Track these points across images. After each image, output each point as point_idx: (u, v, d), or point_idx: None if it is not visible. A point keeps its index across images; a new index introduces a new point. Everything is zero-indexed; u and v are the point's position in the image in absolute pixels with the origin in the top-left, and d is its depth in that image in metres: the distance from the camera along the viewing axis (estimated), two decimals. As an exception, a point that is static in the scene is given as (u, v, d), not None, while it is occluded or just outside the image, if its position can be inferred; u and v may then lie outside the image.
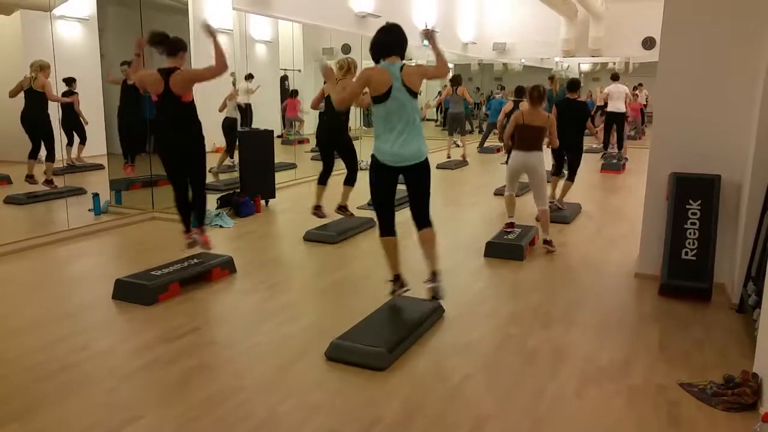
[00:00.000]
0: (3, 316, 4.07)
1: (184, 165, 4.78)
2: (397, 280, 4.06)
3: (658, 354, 3.63)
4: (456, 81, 12.21)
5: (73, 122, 8.20)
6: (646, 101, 17.59)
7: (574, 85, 7.55)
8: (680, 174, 4.73)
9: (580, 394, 3.14)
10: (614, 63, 21.61)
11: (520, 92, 10.09)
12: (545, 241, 5.76)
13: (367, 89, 3.80)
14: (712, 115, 4.68)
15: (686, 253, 4.57)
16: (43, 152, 7.57)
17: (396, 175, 3.82)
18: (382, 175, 3.81)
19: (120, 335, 3.88)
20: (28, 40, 8.72)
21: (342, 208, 6.32)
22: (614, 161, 11.63)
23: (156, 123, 4.79)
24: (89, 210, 6.88)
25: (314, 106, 6.25)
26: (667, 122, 4.84)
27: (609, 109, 11.79)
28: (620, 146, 12.19)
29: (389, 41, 3.79)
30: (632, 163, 12.06)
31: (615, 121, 11.80)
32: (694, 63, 4.69)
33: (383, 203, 3.91)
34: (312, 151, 12.52)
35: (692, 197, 4.64)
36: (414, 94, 3.78)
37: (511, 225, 5.93)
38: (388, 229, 3.94)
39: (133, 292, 4.30)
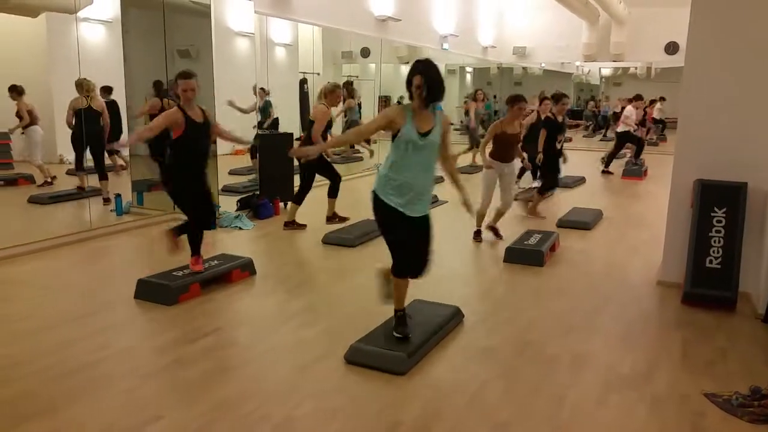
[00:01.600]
0: (25, 314, 4.13)
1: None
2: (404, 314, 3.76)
3: (682, 363, 3.57)
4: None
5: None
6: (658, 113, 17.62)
7: (557, 98, 7.45)
8: (705, 181, 4.66)
9: (601, 402, 3.10)
10: (636, 68, 21.41)
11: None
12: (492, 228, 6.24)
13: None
14: (739, 121, 4.61)
15: (710, 262, 4.49)
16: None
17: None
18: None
19: (141, 335, 3.91)
20: (53, 42, 8.88)
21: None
22: (635, 167, 11.53)
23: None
24: (111, 210, 6.97)
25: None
26: (693, 128, 4.77)
27: (621, 129, 11.68)
28: (608, 162, 12.08)
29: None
30: (653, 169, 11.93)
31: (628, 140, 11.72)
32: (721, 68, 4.61)
33: None
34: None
35: (717, 205, 4.56)
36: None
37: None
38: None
39: (154, 292, 4.34)
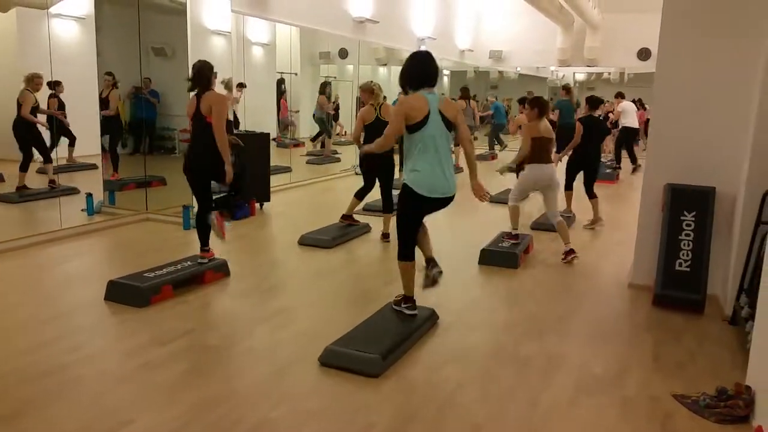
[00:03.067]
0: (-7, 315, 4.02)
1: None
2: (413, 302, 4.03)
3: (652, 365, 3.63)
4: (465, 94, 12.11)
5: (58, 126, 8.13)
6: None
7: (596, 101, 7.58)
8: (675, 185, 4.75)
9: (574, 403, 3.14)
10: (609, 73, 21.75)
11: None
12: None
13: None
14: (708, 127, 4.71)
15: (680, 264, 4.59)
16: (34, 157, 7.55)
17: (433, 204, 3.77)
18: (420, 205, 3.76)
19: (112, 337, 3.85)
20: (24, 38, 8.67)
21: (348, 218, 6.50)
22: (608, 171, 11.68)
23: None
24: (82, 210, 6.84)
25: (357, 140, 6.08)
26: (664, 134, 4.87)
27: (626, 124, 11.99)
28: (634, 159, 12.36)
29: (431, 72, 3.75)
30: (625, 173, 12.13)
31: (629, 136, 12.07)
32: (691, 76, 4.72)
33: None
34: (308, 154, 12.53)
35: (687, 209, 4.66)
36: (449, 126, 3.73)
37: (515, 237, 5.88)
38: (413, 254, 3.91)
39: (125, 293, 4.26)
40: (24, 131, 7.40)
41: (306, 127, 13.36)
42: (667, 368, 3.58)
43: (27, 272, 5.09)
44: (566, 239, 5.72)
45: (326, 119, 12.40)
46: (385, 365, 3.38)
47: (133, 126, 8.03)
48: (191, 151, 4.75)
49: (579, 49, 14.78)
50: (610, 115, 13.86)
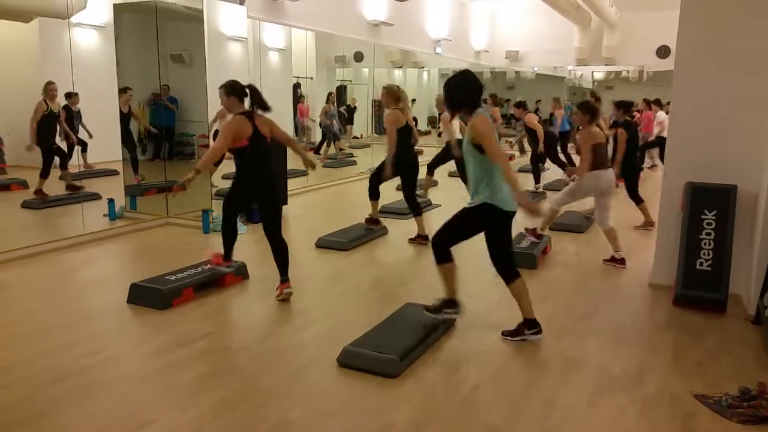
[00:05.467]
0: (17, 319, 4.11)
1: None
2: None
3: (672, 365, 3.59)
4: (496, 101, 12.01)
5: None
6: None
7: (628, 105, 7.47)
8: (696, 184, 4.70)
9: (592, 404, 3.12)
10: (628, 71, 21.53)
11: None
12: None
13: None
14: (729, 124, 4.65)
15: (701, 264, 4.53)
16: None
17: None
18: (509, 223, 3.76)
19: (134, 339, 3.91)
20: (46, 47, 8.86)
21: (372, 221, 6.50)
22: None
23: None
24: (104, 215, 6.95)
25: (394, 148, 6.00)
26: (683, 131, 4.81)
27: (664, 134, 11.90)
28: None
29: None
30: (646, 173, 12.00)
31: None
32: (710, 71, 4.66)
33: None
34: (326, 158, 12.58)
35: (707, 207, 4.60)
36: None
37: (539, 237, 5.84)
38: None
39: (147, 296, 4.33)
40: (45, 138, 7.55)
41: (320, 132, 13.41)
42: (688, 368, 3.54)
43: (51, 276, 5.19)
44: (616, 247, 5.60)
45: (330, 124, 12.44)
46: (403, 366, 3.39)
47: (152, 132, 8.14)
48: (267, 173, 4.52)
49: (597, 47, 14.64)
50: (636, 114, 13.76)
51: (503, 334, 3.90)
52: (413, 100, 14.11)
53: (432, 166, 8.63)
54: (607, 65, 16.23)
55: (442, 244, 3.83)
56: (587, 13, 13.39)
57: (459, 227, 3.81)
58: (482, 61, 15.57)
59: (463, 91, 3.68)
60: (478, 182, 3.68)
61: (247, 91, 4.47)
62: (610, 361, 3.62)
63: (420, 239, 6.23)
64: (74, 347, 3.67)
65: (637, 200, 7.26)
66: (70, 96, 8.31)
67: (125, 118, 7.77)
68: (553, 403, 3.11)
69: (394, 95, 6.07)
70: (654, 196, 6.65)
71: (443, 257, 3.83)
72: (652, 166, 12.55)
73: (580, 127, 5.70)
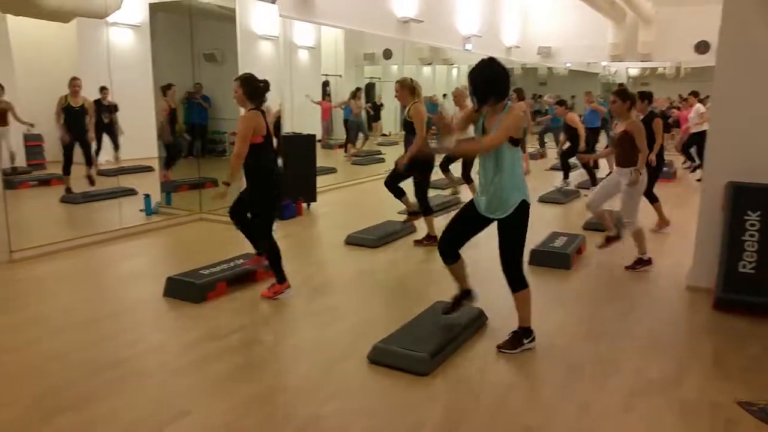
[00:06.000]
0: (59, 311, 4.22)
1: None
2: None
3: (713, 370, 3.50)
4: (521, 95, 11.80)
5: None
6: None
7: (650, 95, 6.96)
8: (738, 183, 4.56)
9: (628, 408, 3.05)
10: (665, 68, 21.06)
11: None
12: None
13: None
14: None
15: (744, 266, 4.40)
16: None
17: None
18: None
19: (170, 332, 3.98)
20: (84, 47, 9.07)
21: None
22: (665, 170, 11.30)
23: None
24: (140, 210, 7.09)
25: (424, 140, 5.80)
26: (725, 129, 4.67)
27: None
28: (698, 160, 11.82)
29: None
30: (682, 171, 11.73)
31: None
32: (754, 67, 4.51)
33: None
34: (353, 155, 12.61)
35: (751, 208, 4.46)
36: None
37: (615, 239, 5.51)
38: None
39: (183, 289, 4.40)
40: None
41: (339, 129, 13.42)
42: (730, 374, 3.44)
43: (91, 269, 5.32)
44: (643, 249, 5.39)
45: (353, 123, 12.42)
46: (433, 364, 3.37)
47: (185, 130, 8.29)
48: (277, 172, 4.42)
49: (632, 43, 14.35)
50: (674, 112, 13.42)
51: (500, 348, 3.63)
52: (444, 95, 14.00)
53: (445, 166, 8.47)
54: (642, 61, 15.89)
55: (452, 246, 3.71)
56: (622, 8, 13.14)
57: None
58: (513, 57, 15.40)
59: (494, 81, 3.40)
60: (508, 179, 3.46)
61: (261, 85, 4.29)
62: (647, 364, 3.54)
63: (427, 241, 6.04)
64: (114, 338, 3.76)
65: (652, 199, 7.05)
66: (102, 90, 8.49)
67: (173, 113, 7.88)
68: (588, 406, 3.05)
69: (410, 88, 5.83)
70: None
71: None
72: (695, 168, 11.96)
73: (617, 119, 5.35)
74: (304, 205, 7.64)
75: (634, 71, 23.77)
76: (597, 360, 3.58)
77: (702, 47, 13.78)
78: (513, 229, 3.52)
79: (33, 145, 9.04)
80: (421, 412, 2.96)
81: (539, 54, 15.66)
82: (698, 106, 11.29)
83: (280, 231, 6.65)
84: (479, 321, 4.01)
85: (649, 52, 14.36)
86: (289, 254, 5.74)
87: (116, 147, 9.08)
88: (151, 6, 7.85)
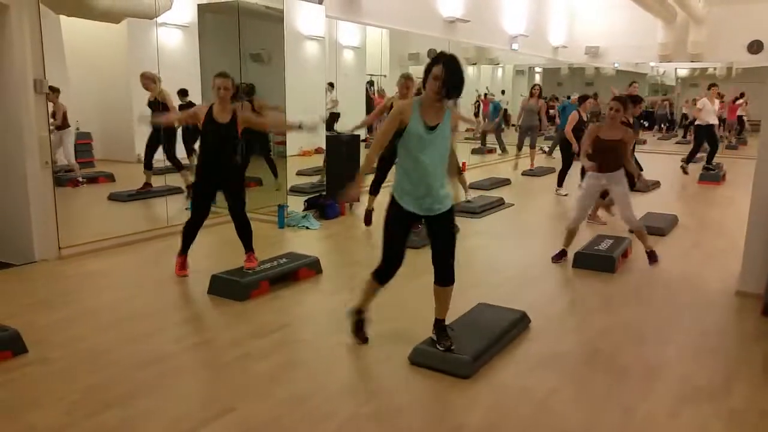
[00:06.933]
0: (106, 307, 4.36)
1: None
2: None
3: (762, 377, 3.39)
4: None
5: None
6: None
7: (639, 99, 7.32)
8: (792, 187, 4.40)
9: (674, 414, 2.99)
10: (715, 68, 20.41)
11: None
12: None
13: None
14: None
15: (797, 273, 4.24)
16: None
17: None
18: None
19: (214, 329, 4.08)
20: (134, 46, 9.35)
21: None
22: (713, 172, 11.00)
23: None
24: (186, 209, 7.26)
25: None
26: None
27: (709, 121, 11.40)
28: (710, 158, 11.54)
29: None
30: (731, 174, 11.37)
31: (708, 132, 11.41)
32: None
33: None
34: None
35: (805, 212, 4.30)
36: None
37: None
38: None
39: (226, 287, 4.51)
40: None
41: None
42: (782, 383, 3.33)
43: (138, 266, 5.49)
44: (648, 245, 5.56)
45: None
46: (475, 367, 3.36)
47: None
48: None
49: (682, 43, 13.93)
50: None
51: (439, 346, 3.44)
52: (503, 91, 13.95)
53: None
54: (692, 62, 15.41)
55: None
56: (672, 8, 12.78)
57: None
58: (560, 57, 15.17)
59: (461, 77, 3.26)
60: (444, 176, 3.38)
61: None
62: (694, 370, 3.45)
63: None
64: (159, 335, 3.86)
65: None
66: (182, 93, 8.67)
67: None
68: (632, 412, 3.00)
69: (411, 78, 5.80)
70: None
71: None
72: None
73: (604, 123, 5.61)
74: (347, 205, 7.71)
75: (683, 72, 23.10)
76: (642, 365, 3.51)
77: (755, 47, 13.28)
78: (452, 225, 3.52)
79: (82, 143, 9.33)
80: (462, 415, 2.96)
81: (587, 54, 15.37)
82: (703, 100, 11.19)
83: (323, 230, 6.73)
84: (522, 323, 3.98)
85: (699, 52, 13.91)
86: (331, 253, 5.83)
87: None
88: (200, 6, 8.02)
